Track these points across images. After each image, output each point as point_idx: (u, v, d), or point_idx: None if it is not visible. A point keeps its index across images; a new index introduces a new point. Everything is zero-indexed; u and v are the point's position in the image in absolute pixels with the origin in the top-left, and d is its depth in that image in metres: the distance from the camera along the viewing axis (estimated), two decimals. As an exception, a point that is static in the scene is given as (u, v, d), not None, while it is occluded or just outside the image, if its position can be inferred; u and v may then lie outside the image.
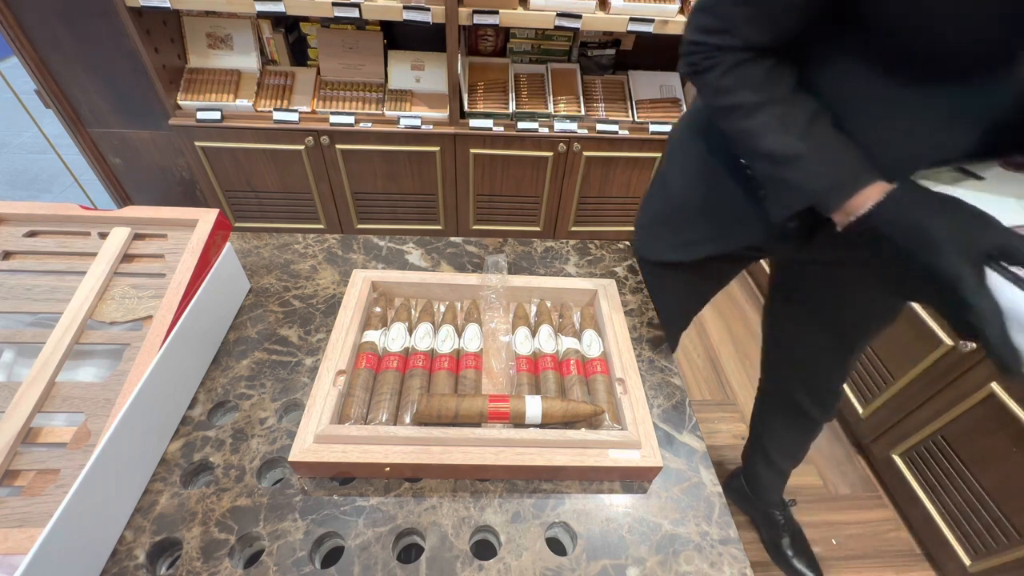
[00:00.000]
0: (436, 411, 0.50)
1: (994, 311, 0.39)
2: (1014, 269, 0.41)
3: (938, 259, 0.41)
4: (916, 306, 1.28)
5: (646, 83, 1.73)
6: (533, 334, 0.62)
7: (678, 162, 0.76)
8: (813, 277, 0.80)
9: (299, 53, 1.68)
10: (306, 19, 1.60)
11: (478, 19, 1.41)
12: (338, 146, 1.61)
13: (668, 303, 0.79)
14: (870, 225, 0.47)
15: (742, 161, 0.61)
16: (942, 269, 0.41)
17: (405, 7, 1.38)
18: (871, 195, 0.47)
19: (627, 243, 0.79)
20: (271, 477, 0.53)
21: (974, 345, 1.11)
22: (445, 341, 0.59)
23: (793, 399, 0.97)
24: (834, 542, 1.34)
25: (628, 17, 1.41)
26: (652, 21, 1.41)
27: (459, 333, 0.61)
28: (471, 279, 0.66)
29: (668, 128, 1.64)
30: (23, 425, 0.45)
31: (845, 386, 1.51)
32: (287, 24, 1.62)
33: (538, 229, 1.93)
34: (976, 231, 0.41)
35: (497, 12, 1.40)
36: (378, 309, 0.63)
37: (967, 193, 0.47)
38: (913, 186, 0.46)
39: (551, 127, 1.64)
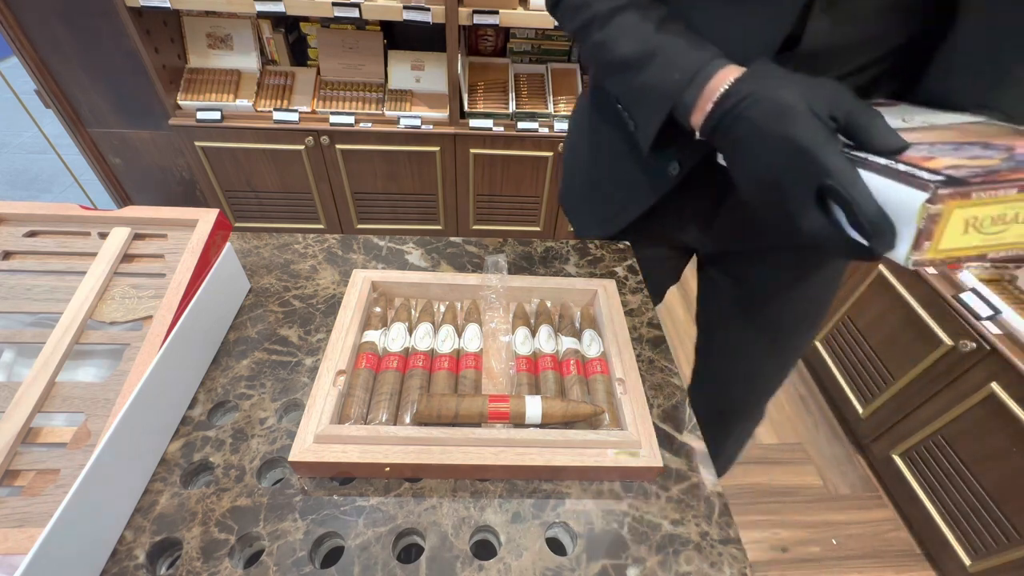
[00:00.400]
0: (436, 411, 0.50)
1: (855, 173, 0.36)
2: (857, 153, 0.39)
3: (791, 127, 0.39)
4: (916, 305, 1.28)
5: (646, 83, 1.74)
6: (533, 334, 0.62)
7: (568, 141, 0.82)
8: (723, 278, 0.83)
9: (299, 53, 1.68)
10: (306, 19, 1.60)
11: (478, 19, 1.41)
12: (338, 146, 1.61)
13: None
14: (727, 110, 0.45)
15: (612, 96, 0.62)
16: (796, 137, 0.39)
17: (405, 7, 1.38)
18: (726, 76, 0.47)
19: (627, 243, 0.80)
20: (271, 477, 0.53)
21: (974, 345, 1.11)
22: (445, 341, 0.59)
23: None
24: (834, 542, 1.34)
25: (628, 17, 1.41)
26: (652, 21, 1.42)
27: (459, 333, 0.61)
28: (471, 279, 0.66)
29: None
30: (23, 425, 0.45)
31: (845, 386, 1.52)
32: (287, 24, 1.62)
33: (538, 229, 1.93)
34: (825, 91, 0.40)
35: (497, 12, 1.40)
36: (378, 309, 0.63)
37: None
38: (766, 63, 0.46)
39: (551, 127, 1.64)
